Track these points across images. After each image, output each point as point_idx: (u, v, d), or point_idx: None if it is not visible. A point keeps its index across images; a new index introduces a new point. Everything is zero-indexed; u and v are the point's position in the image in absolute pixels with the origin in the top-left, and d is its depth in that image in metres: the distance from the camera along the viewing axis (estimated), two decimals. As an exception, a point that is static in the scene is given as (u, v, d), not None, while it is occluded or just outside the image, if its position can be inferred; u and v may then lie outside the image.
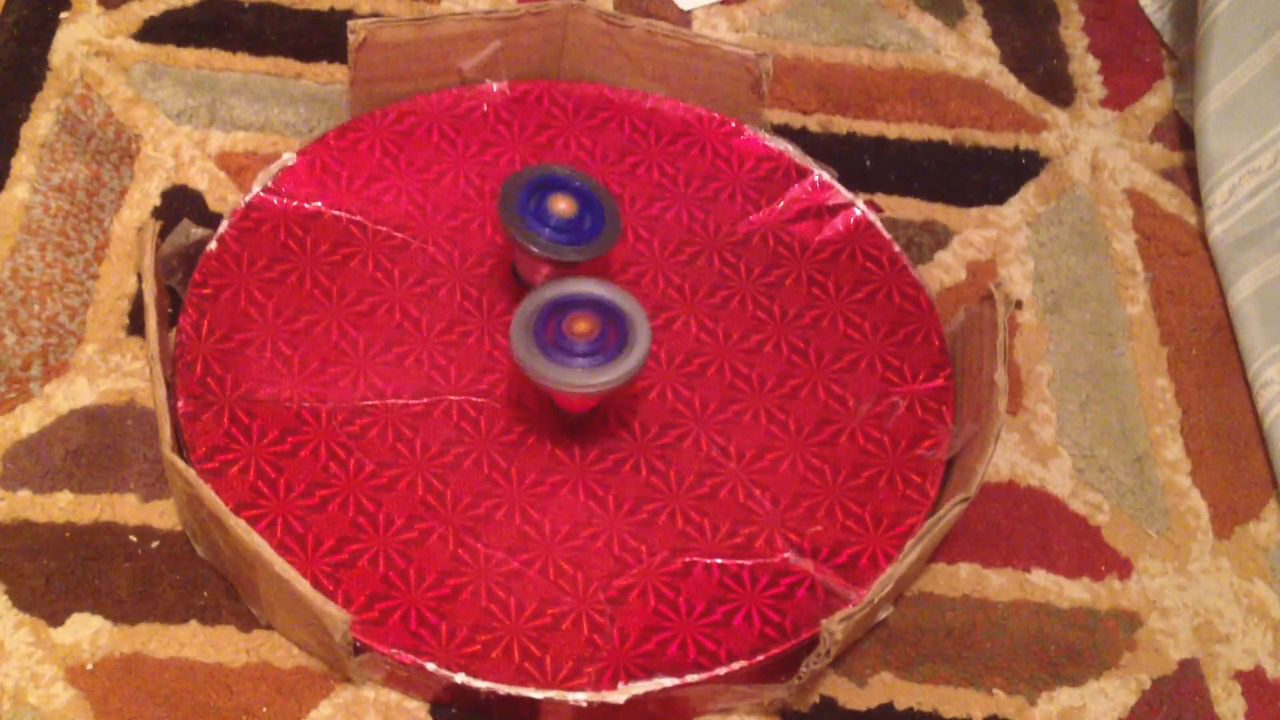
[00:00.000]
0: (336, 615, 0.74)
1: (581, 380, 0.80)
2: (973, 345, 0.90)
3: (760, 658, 0.79)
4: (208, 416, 0.84)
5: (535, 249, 0.85)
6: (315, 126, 1.02)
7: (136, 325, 0.90)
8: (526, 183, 0.87)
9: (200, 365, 0.86)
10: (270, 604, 0.78)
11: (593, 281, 0.84)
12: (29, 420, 0.86)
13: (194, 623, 0.80)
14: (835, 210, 0.99)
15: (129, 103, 1.01)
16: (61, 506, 0.83)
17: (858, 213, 0.99)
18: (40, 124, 0.99)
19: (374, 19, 0.96)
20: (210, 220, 0.94)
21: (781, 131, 1.06)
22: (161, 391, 0.80)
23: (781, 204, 0.99)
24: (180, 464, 0.77)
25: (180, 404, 0.84)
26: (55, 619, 0.79)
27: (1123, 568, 0.89)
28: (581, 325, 0.82)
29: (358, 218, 0.94)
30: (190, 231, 0.92)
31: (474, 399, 0.87)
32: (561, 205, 0.86)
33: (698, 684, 0.78)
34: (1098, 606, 0.87)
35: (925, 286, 0.96)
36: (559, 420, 0.87)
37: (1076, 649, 0.85)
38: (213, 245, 0.91)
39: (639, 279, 0.94)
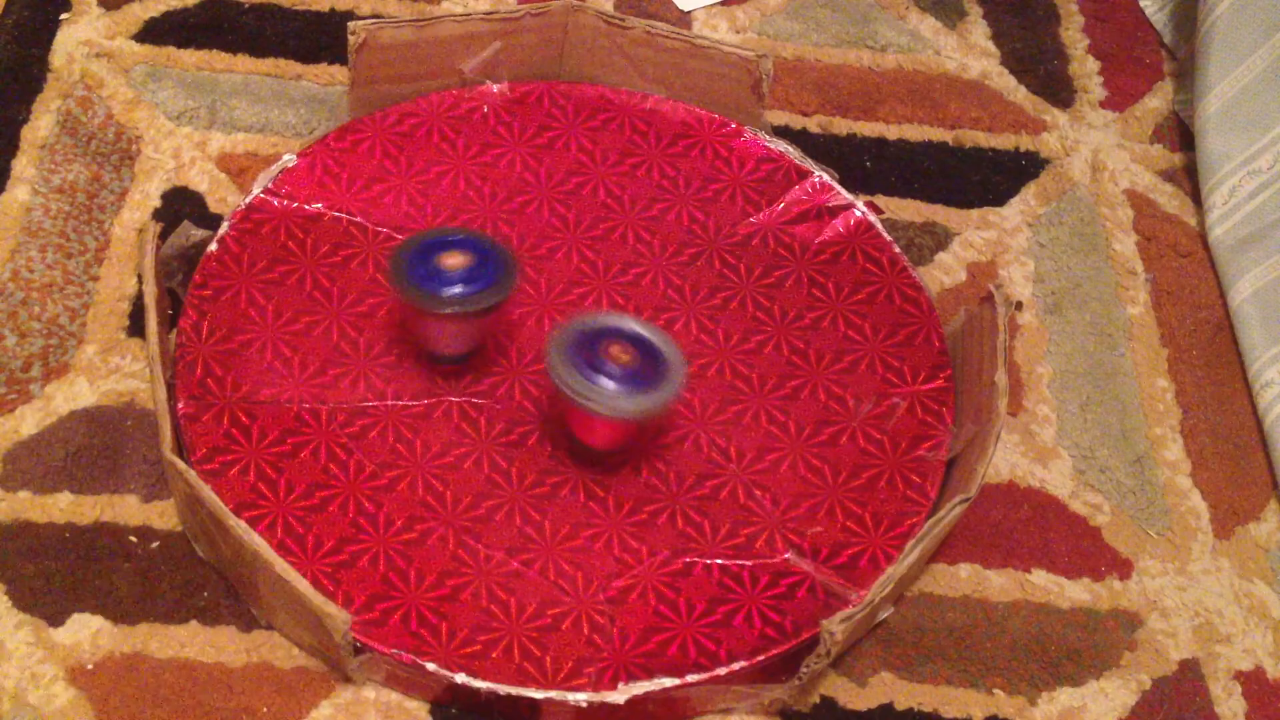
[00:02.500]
0: (337, 615, 0.74)
1: (613, 404, 0.80)
2: (973, 346, 0.90)
3: (760, 658, 0.79)
4: (208, 418, 0.84)
5: (450, 309, 0.82)
6: (315, 128, 1.02)
7: (137, 327, 0.90)
8: (414, 249, 0.84)
9: (200, 366, 0.86)
10: (270, 604, 0.78)
11: (633, 320, 0.84)
12: (29, 421, 0.86)
13: (194, 623, 0.80)
14: (835, 211, 0.99)
15: (129, 104, 1.01)
16: (62, 507, 0.83)
17: (858, 214, 0.99)
18: (40, 125, 0.99)
19: (374, 20, 0.96)
20: (210, 222, 0.94)
21: (782, 133, 1.06)
22: (162, 393, 0.80)
23: (782, 205, 0.99)
24: (180, 465, 0.77)
25: (180, 405, 0.84)
26: (55, 619, 0.79)
27: (1123, 568, 0.89)
28: (621, 354, 0.81)
29: (358, 219, 0.94)
30: (190, 233, 0.92)
31: (474, 400, 0.87)
32: (454, 259, 0.83)
33: (698, 684, 0.78)
34: (1098, 607, 0.87)
35: (925, 288, 0.96)
36: (559, 420, 0.87)
37: (1077, 649, 0.85)
38: (213, 247, 0.91)
39: (639, 280, 0.94)
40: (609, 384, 0.80)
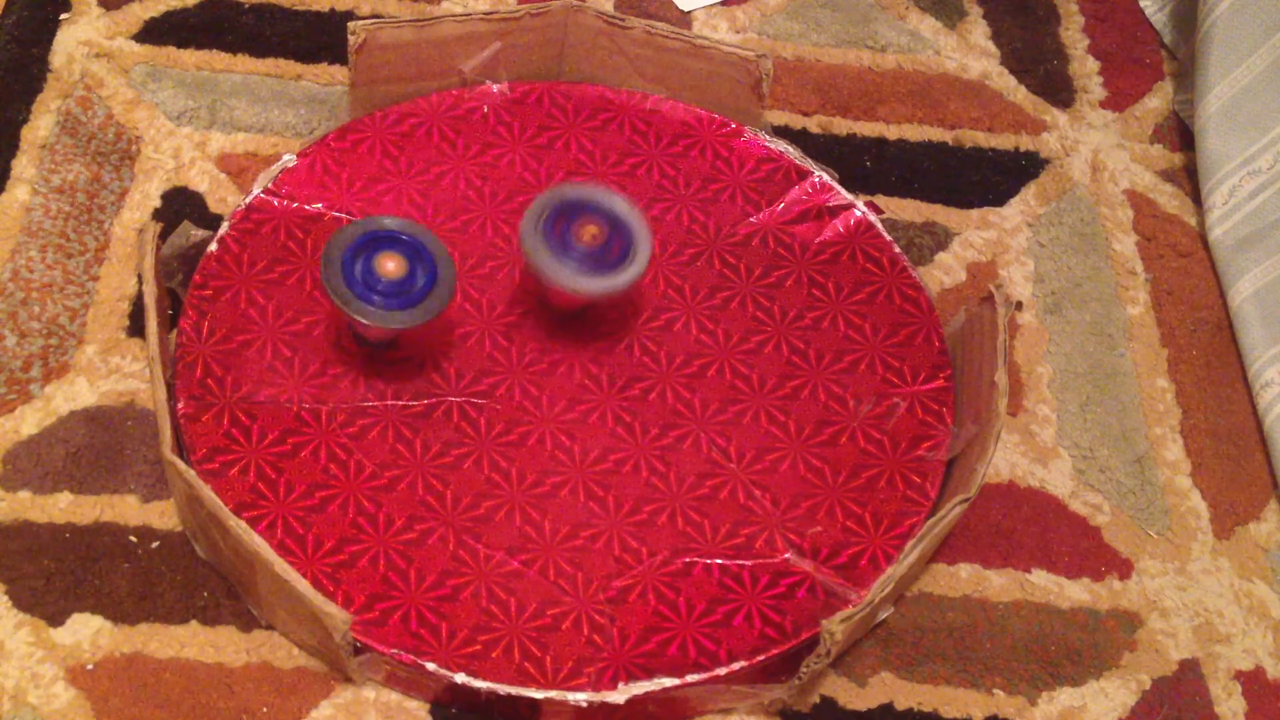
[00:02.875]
0: (337, 615, 0.74)
1: (580, 285, 0.85)
2: (973, 346, 0.90)
3: (760, 658, 0.79)
4: (208, 418, 0.84)
5: (364, 320, 0.82)
6: (315, 128, 1.02)
7: (137, 327, 0.90)
8: (352, 241, 0.83)
9: (200, 366, 0.86)
10: (270, 604, 0.78)
11: (604, 190, 0.89)
12: (29, 421, 0.86)
13: (194, 623, 0.80)
14: (835, 211, 0.99)
15: (129, 104, 1.01)
16: (61, 507, 0.83)
17: (858, 214, 0.99)
18: (40, 126, 0.99)
19: (374, 20, 0.96)
20: (211, 222, 0.95)
21: (782, 133, 1.06)
22: (161, 393, 0.80)
23: (782, 205, 0.99)
24: (180, 465, 0.77)
25: (180, 405, 0.84)
26: (55, 619, 0.79)
27: (1123, 568, 0.89)
28: (589, 230, 0.85)
29: (358, 219, 0.94)
30: (191, 233, 0.92)
31: (474, 400, 0.87)
32: (390, 265, 0.82)
33: (698, 684, 0.78)
34: (1098, 607, 0.87)
35: (925, 287, 0.96)
36: (559, 420, 0.87)
37: (1077, 649, 0.85)
38: (213, 247, 0.91)
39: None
40: (572, 261, 0.85)
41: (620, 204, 0.87)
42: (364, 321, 0.82)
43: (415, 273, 0.83)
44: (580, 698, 0.77)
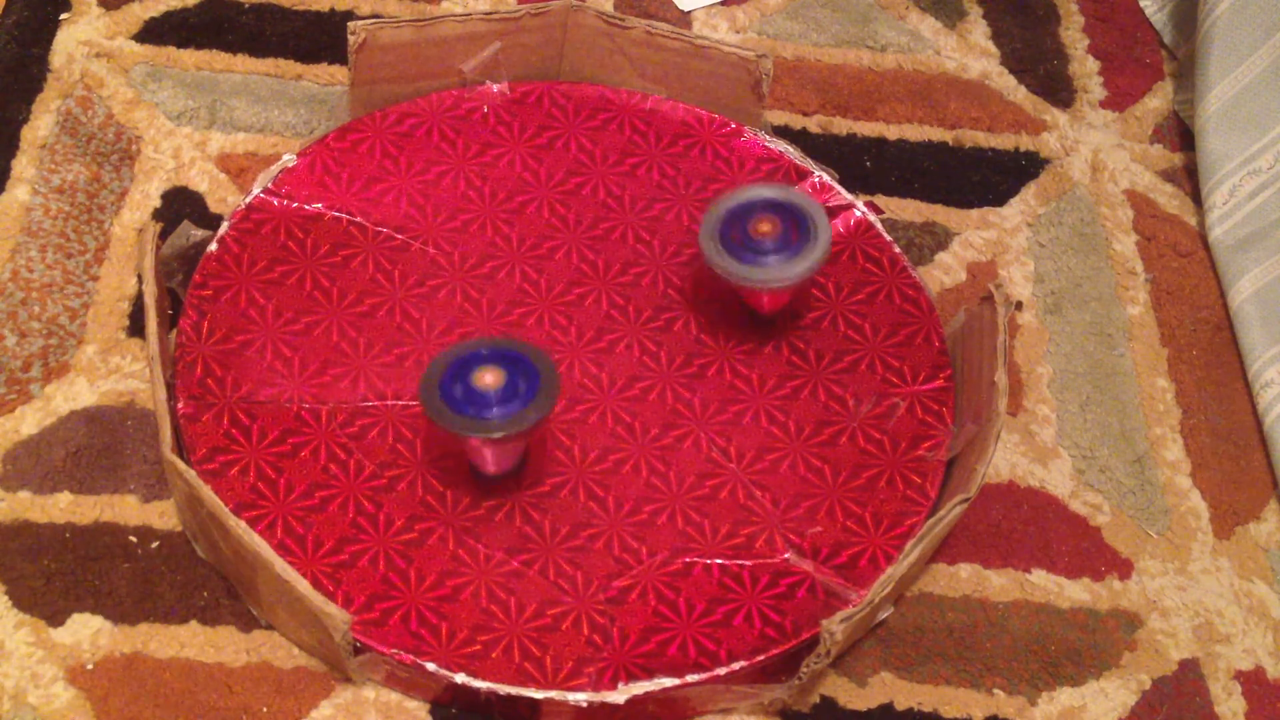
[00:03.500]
0: (337, 615, 0.74)
1: (772, 275, 0.88)
2: (973, 346, 0.90)
3: (760, 658, 0.79)
4: (208, 418, 0.84)
5: (502, 434, 0.78)
6: (315, 128, 1.02)
7: (137, 327, 0.90)
8: (450, 363, 0.80)
9: (200, 366, 0.86)
10: (270, 604, 0.78)
11: (769, 187, 0.91)
12: (29, 421, 0.86)
13: (194, 623, 0.80)
14: (835, 211, 0.99)
15: (129, 104, 1.01)
16: (61, 507, 0.83)
17: (858, 214, 0.99)
18: (40, 125, 0.99)
19: (374, 20, 0.96)
20: (210, 222, 0.95)
21: (782, 133, 1.06)
22: (161, 393, 0.80)
23: (782, 205, 0.99)
24: (180, 465, 0.77)
25: (180, 405, 0.84)
26: (55, 619, 0.79)
27: (1123, 568, 0.89)
28: (765, 226, 0.88)
29: (358, 219, 0.94)
30: (190, 233, 0.92)
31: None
32: (488, 379, 0.79)
33: (698, 684, 0.78)
34: (1098, 607, 0.87)
35: (925, 287, 0.96)
36: (559, 420, 0.87)
37: (1077, 649, 0.85)
38: (213, 247, 0.91)
39: (639, 280, 0.94)
40: (766, 258, 0.88)
41: (783, 192, 0.90)
42: (499, 436, 0.78)
43: (514, 376, 0.79)
44: (580, 698, 0.77)
